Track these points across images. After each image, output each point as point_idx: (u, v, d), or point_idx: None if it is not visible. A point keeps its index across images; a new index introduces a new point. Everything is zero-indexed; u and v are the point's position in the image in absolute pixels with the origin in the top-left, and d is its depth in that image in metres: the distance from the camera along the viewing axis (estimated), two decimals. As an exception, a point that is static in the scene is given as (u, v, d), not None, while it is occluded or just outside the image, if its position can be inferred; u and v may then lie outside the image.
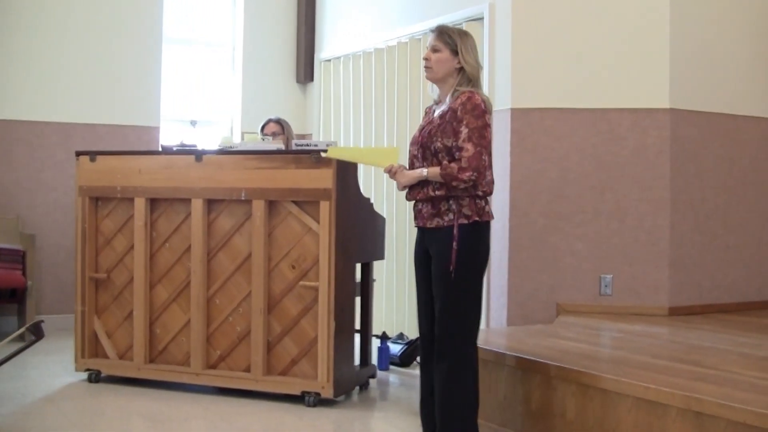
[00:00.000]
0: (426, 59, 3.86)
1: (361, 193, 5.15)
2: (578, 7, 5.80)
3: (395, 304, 6.92)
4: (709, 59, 5.89)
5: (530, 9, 5.83)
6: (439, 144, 3.73)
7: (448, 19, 6.37)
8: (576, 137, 5.77)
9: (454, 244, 3.69)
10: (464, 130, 3.68)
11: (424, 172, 3.75)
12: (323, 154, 4.61)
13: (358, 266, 5.23)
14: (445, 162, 3.71)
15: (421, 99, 6.66)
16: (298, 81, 8.43)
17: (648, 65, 5.70)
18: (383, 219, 5.54)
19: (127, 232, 5.32)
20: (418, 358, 5.90)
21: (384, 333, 6.08)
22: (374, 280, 5.61)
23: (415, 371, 5.80)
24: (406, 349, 6.00)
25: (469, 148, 3.66)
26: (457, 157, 3.69)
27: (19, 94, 7.21)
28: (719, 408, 3.24)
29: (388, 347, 5.97)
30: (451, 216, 3.72)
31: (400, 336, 6.35)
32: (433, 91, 3.96)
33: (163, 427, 4.45)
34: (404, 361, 5.98)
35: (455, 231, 3.70)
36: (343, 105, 7.75)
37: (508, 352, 4.29)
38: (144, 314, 5.23)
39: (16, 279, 6.58)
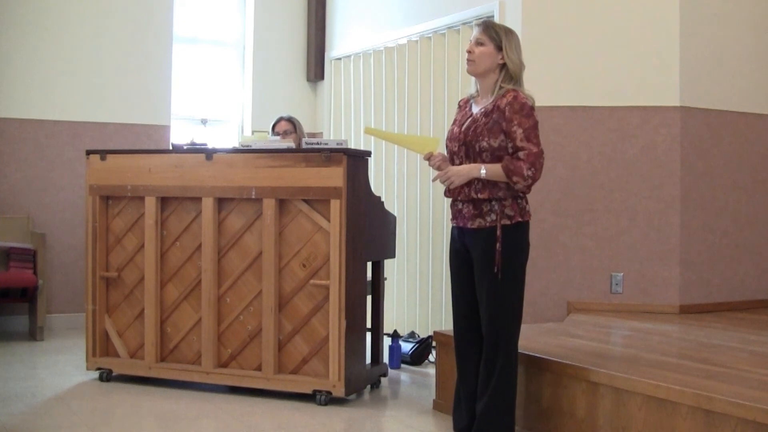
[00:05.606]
0: (469, 52, 3.82)
1: (371, 192, 5.15)
2: (588, 4, 5.79)
3: (406, 303, 6.92)
4: (719, 57, 5.88)
5: (540, 7, 5.83)
6: (485, 143, 3.72)
7: (458, 17, 6.38)
8: (585, 135, 5.76)
9: (498, 245, 3.71)
10: (518, 131, 3.67)
11: (482, 171, 3.67)
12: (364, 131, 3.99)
13: (369, 264, 5.24)
14: (507, 157, 3.67)
15: (432, 97, 6.67)
16: (308, 79, 8.43)
17: (658, 63, 5.70)
18: (394, 217, 5.54)
19: (137, 230, 5.33)
20: (430, 357, 5.96)
21: (395, 331, 6.08)
22: (385, 279, 5.61)
23: (427, 370, 5.83)
24: (418, 347, 6.01)
25: (532, 148, 3.66)
26: (521, 157, 3.66)
27: (28, 92, 7.22)
28: (729, 406, 3.23)
29: (399, 346, 5.97)
30: (493, 217, 3.73)
31: (412, 334, 6.35)
32: (477, 85, 3.91)
33: (174, 426, 4.46)
34: (415, 359, 5.98)
35: (498, 232, 3.72)
36: (353, 103, 7.76)
37: (518, 350, 4.28)
38: (155, 313, 5.24)
39: (27, 278, 6.61)
